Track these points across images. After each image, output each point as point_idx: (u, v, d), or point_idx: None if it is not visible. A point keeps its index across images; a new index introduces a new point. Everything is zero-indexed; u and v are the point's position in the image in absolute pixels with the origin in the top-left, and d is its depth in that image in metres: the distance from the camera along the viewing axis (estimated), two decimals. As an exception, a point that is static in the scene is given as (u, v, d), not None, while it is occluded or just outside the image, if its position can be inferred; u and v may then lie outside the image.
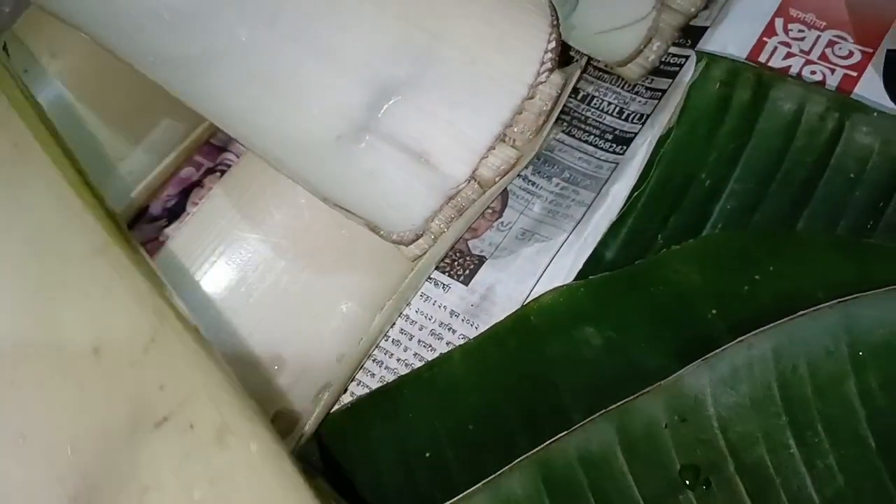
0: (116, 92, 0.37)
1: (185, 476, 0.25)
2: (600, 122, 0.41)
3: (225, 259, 0.34)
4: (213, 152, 0.43)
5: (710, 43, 0.41)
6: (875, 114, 0.36)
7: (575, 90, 0.42)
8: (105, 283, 0.27)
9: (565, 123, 0.41)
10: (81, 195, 0.27)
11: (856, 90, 0.38)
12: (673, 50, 0.41)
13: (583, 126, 0.41)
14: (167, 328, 0.26)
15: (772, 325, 0.30)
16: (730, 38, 0.41)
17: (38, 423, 0.25)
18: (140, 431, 0.25)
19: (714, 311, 0.33)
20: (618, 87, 0.42)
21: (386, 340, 0.38)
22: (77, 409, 0.26)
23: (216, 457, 0.25)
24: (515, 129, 0.26)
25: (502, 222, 0.39)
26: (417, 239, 0.28)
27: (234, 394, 0.26)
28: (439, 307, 0.38)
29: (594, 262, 0.37)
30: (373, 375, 0.37)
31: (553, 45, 0.27)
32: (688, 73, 0.39)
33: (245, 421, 0.26)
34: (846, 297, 0.30)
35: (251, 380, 0.30)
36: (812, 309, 0.30)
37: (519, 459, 0.30)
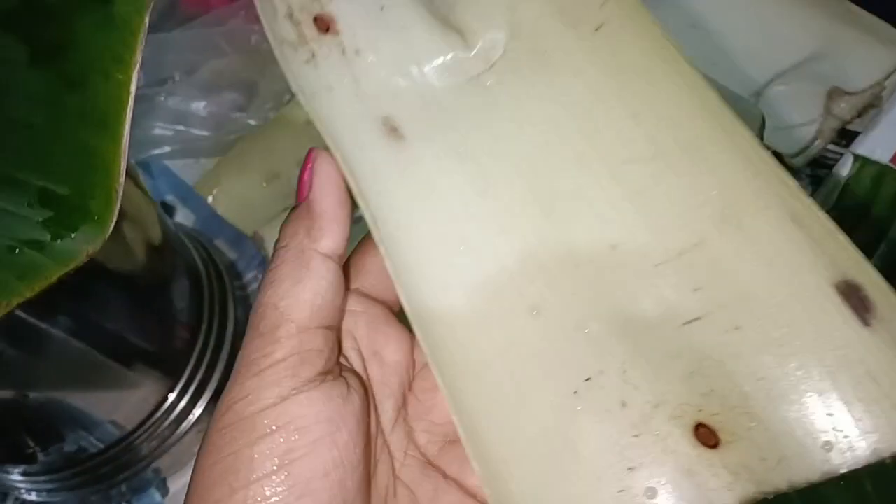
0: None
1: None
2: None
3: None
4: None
5: (862, 145, 0.50)
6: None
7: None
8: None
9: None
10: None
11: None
12: (830, 147, 0.51)
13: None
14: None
15: None
16: (878, 143, 0.50)
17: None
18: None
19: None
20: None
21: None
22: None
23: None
24: None
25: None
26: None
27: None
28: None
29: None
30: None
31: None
32: (843, 167, 0.50)
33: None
34: None
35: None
36: None
37: None
